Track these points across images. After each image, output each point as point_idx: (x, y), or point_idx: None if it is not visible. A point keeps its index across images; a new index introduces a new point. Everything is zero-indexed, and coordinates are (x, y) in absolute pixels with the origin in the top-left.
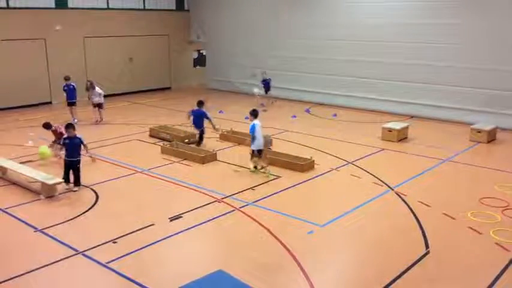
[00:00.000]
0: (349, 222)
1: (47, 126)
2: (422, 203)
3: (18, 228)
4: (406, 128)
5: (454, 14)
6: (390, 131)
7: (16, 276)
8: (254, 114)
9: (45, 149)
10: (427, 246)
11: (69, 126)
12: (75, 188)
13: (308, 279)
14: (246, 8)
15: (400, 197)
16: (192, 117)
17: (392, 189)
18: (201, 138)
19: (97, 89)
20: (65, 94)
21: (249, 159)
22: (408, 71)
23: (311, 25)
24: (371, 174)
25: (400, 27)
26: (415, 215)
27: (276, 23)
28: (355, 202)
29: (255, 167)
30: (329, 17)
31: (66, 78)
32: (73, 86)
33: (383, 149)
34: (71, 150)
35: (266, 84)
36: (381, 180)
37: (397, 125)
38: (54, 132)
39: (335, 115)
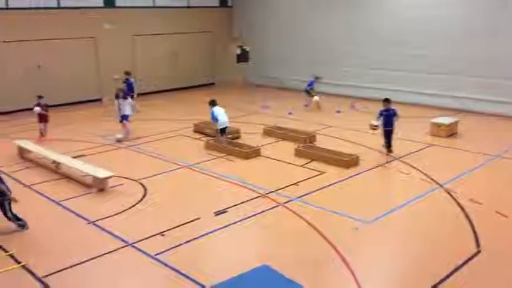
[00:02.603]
0: (396, 219)
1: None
2: (473, 200)
3: (72, 220)
4: (456, 123)
5: (503, 4)
6: (439, 126)
7: (69, 267)
8: (211, 103)
9: None
10: (478, 245)
11: None
12: None
13: (353, 275)
14: (288, 4)
15: (449, 194)
16: (381, 118)
17: (442, 186)
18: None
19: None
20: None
21: (219, 137)
22: (457, 65)
23: (354, 20)
24: (419, 170)
25: (446, 18)
26: (465, 213)
27: (318, 19)
28: (402, 199)
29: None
30: (373, 12)
31: (128, 73)
32: (131, 81)
33: (431, 145)
34: None
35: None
36: (430, 177)
37: (446, 120)
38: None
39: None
